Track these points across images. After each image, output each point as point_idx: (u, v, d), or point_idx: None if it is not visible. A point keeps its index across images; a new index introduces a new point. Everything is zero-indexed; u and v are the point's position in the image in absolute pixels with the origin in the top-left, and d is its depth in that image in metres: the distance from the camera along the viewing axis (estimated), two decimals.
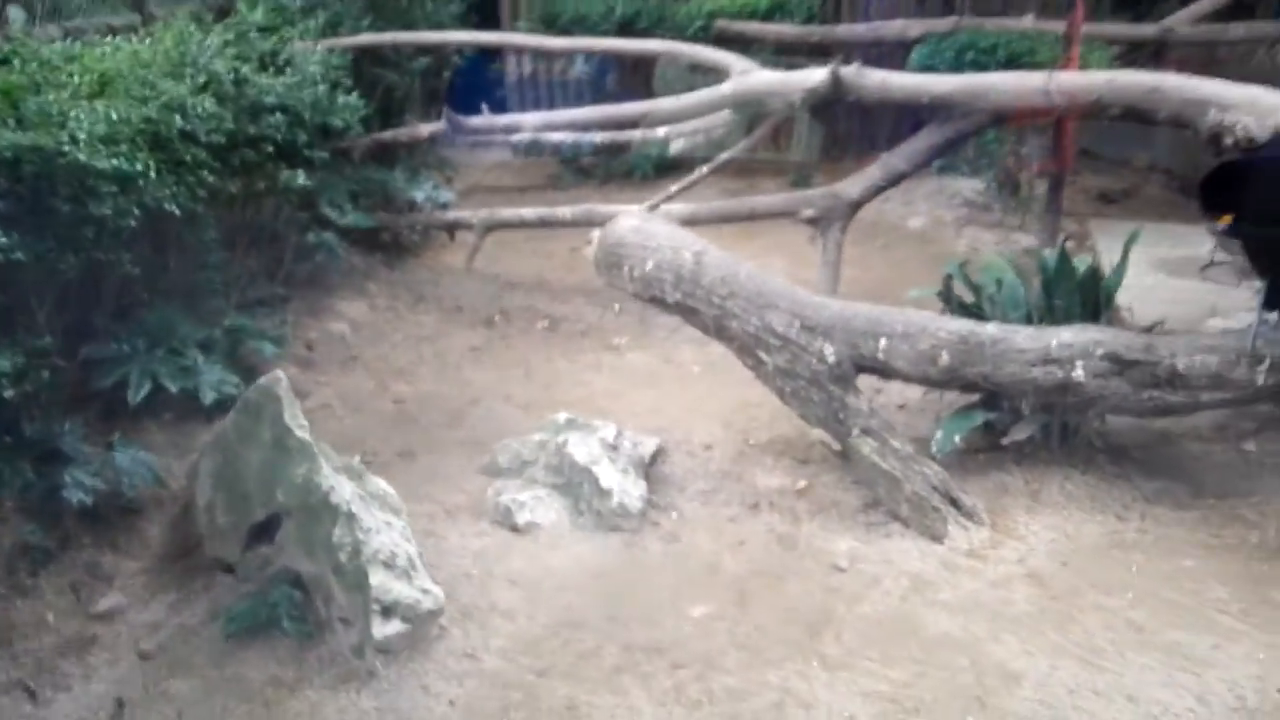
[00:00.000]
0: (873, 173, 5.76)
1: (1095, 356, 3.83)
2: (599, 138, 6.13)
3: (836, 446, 4.06)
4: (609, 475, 3.95)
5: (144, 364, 4.17)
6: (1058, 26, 7.28)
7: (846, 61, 5.56)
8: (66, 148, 3.49)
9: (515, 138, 6.40)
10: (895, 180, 5.77)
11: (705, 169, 5.91)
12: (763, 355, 4.04)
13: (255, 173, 4.96)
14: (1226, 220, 3.72)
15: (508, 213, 6.52)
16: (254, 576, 3.37)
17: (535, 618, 3.38)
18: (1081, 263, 4.38)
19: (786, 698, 3.02)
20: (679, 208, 5.77)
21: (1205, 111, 4.45)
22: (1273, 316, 3.80)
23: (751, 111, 6.07)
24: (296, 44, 5.72)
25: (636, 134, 6.07)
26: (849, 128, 9.12)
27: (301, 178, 5.08)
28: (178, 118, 4.19)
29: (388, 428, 4.70)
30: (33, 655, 3.18)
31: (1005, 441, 4.11)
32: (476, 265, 6.51)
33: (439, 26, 7.50)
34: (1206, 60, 8.06)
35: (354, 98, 5.65)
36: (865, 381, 4.14)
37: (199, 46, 4.84)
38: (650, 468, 4.16)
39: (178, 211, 4.01)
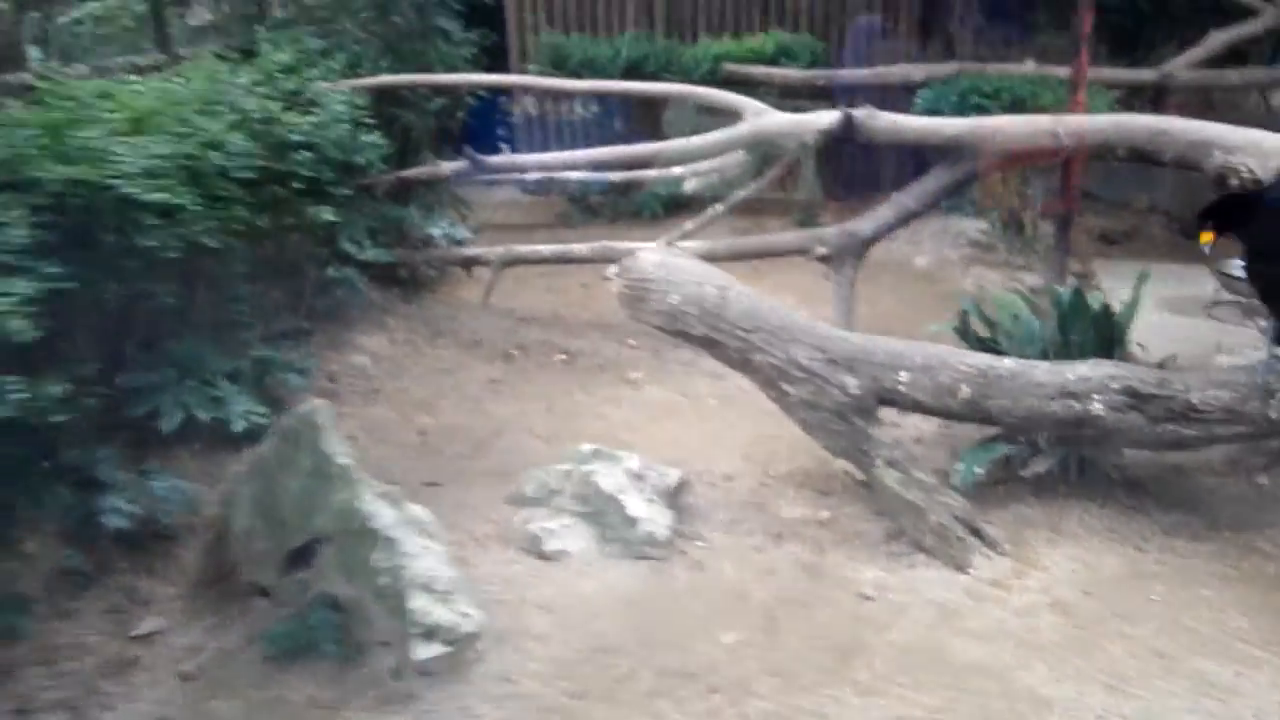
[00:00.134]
0: (884, 212, 5.89)
1: (1112, 390, 3.93)
2: (615, 176, 6.25)
3: (861, 477, 4.13)
4: (636, 504, 4.01)
5: (175, 393, 4.23)
6: (1058, 71, 7.49)
7: (849, 105, 5.72)
8: (113, 181, 3.58)
9: (532, 176, 6.51)
10: (906, 219, 5.91)
11: (721, 207, 6.03)
12: (787, 388, 4.12)
13: (283, 208, 5.05)
14: (1209, 238, 3.80)
15: (524, 248, 6.63)
16: (291, 601, 3.41)
17: (569, 643, 3.43)
18: (1094, 300, 4.49)
19: None
20: (695, 244, 5.88)
21: (1209, 154, 4.59)
22: None
23: (762, 152, 6.21)
24: (319, 84, 5.84)
25: (652, 173, 6.19)
26: (851, 168, 9.28)
27: (328, 213, 5.18)
28: (214, 154, 4.28)
29: (413, 458, 4.76)
30: (76, 676, 3.21)
31: (1024, 474, 4.20)
32: (492, 300, 6.60)
33: (452, 68, 7.65)
34: (1202, 105, 8.30)
35: (376, 136, 5.78)
36: (882, 415, 4.23)
37: (229, 85, 4.96)
38: (675, 498, 4.22)
39: (216, 245, 4.09)
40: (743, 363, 4.24)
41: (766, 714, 3.10)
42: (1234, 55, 8.52)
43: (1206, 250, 3.86)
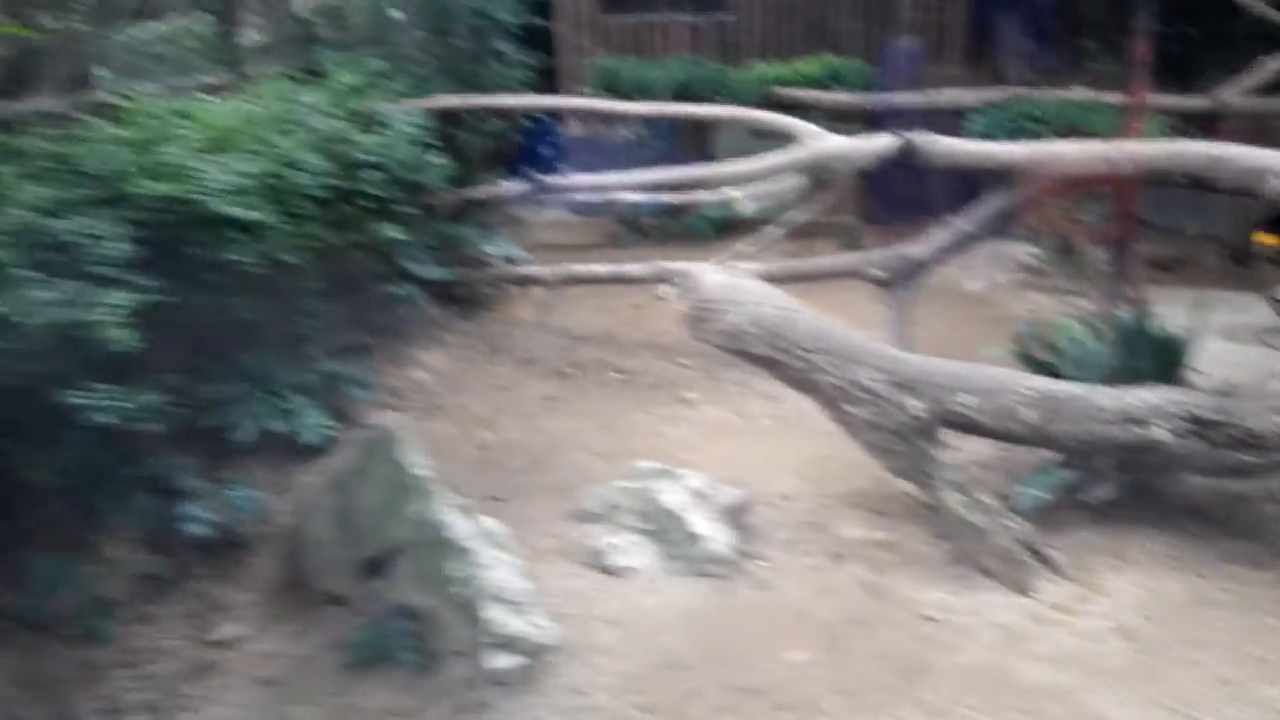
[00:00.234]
0: (940, 236, 5.92)
1: (1175, 416, 3.95)
2: (672, 198, 6.33)
3: (923, 499, 4.16)
4: (699, 522, 4.07)
5: (248, 405, 4.35)
6: (1107, 96, 7.51)
7: (898, 129, 5.77)
8: (201, 197, 3.70)
9: (585, 197, 6.60)
10: (961, 243, 5.94)
11: (778, 229, 6.09)
12: (849, 408, 4.17)
13: (350, 226, 5.18)
14: (1270, 241, 3.80)
15: (580, 268, 6.72)
16: (367, 610, 3.49)
17: (636, 657, 3.48)
18: (1154, 326, 4.50)
19: None
20: (751, 266, 5.93)
21: (1264, 179, 4.60)
22: None
23: (815, 175, 6.27)
24: (384, 105, 5.97)
25: (709, 195, 6.26)
26: (889, 193, 9.31)
27: (393, 231, 5.30)
28: (292, 172, 4.41)
29: (474, 473, 4.83)
30: (158, 678, 3.32)
31: (1086, 499, 4.21)
32: (545, 319, 6.68)
33: (506, 90, 7.78)
34: (1254, 131, 8.26)
35: (441, 157, 5.91)
36: (941, 438, 4.25)
37: (300, 105, 5.10)
38: (736, 516, 4.27)
39: (295, 260, 4.21)
40: (805, 383, 4.29)
41: None
42: None
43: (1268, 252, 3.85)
